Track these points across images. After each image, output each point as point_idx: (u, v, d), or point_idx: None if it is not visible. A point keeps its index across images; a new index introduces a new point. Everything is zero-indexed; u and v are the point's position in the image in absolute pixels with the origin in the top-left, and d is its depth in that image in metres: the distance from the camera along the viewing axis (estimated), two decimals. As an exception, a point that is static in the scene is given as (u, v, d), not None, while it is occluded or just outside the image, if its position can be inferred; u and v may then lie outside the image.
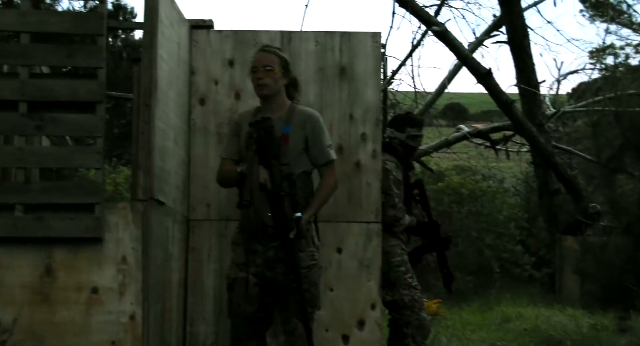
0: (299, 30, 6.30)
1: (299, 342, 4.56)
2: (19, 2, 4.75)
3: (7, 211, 4.43)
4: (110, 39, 18.76)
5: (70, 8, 15.64)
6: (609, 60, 14.84)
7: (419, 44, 11.80)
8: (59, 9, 14.49)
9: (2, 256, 4.43)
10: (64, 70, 6.27)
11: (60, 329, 4.42)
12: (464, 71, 11.03)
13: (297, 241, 4.39)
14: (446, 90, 12.78)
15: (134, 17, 20.25)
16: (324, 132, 4.73)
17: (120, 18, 20.15)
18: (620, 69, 13.68)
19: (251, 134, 4.53)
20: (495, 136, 12.66)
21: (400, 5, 10.30)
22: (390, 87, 12.76)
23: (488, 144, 12.90)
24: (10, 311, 4.35)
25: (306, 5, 23.56)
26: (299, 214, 4.36)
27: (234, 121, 4.82)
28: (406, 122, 6.09)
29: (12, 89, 4.48)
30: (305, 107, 4.85)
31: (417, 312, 5.74)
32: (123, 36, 19.89)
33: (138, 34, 21.51)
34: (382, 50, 12.13)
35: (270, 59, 4.69)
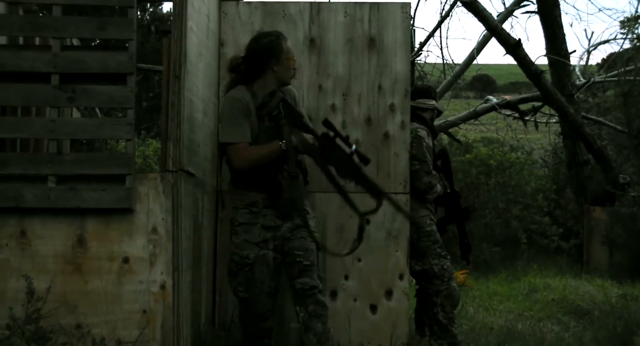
0: (328, 1, 6.28)
1: (321, 311, 4.67)
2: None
3: (40, 182, 4.47)
4: (138, 12, 18.79)
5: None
6: (641, 29, 14.63)
7: (447, 15, 11.69)
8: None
9: (36, 226, 4.48)
10: (94, 43, 6.28)
11: (93, 298, 4.47)
12: (493, 41, 10.91)
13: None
14: (474, 61, 12.64)
15: (164, -10, 20.25)
16: None
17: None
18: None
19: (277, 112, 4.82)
20: (523, 107, 12.54)
21: (429, -24, 10.22)
22: (418, 59, 12.68)
23: (516, 115, 12.78)
24: (43, 280, 4.40)
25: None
26: None
27: (243, 104, 4.79)
28: (424, 94, 6.12)
29: (44, 61, 4.50)
30: None
31: (446, 281, 5.75)
32: (151, 10, 19.89)
33: (166, 8, 21.52)
34: (411, 21, 12.07)
35: None
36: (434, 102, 6.10)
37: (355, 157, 4.67)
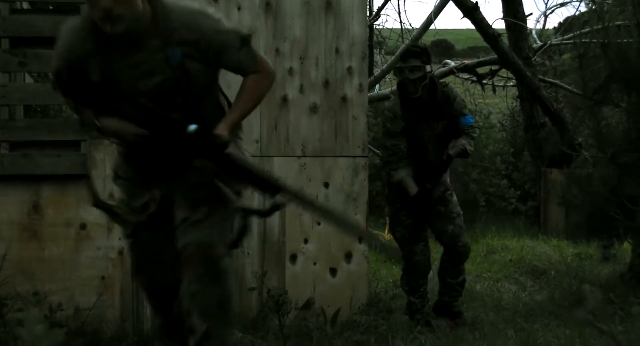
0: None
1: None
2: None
3: (-8, 149, 4.41)
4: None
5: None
6: (597, -8, 14.73)
7: (404, -22, 11.66)
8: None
9: (-10, 193, 4.43)
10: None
11: (50, 265, 4.45)
12: (451, 5, 10.92)
13: None
14: (433, 26, 12.63)
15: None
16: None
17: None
18: (607, 1, 13.60)
19: None
20: (481, 70, 12.58)
21: (386, -62, 10.15)
22: (377, 23, 12.65)
23: (474, 79, 12.83)
24: (-1, 248, 4.36)
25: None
26: None
27: None
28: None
29: (-7, 25, 4.42)
30: None
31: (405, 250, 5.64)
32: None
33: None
34: (368, -16, 12.01)
35: None
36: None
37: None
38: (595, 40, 6.41)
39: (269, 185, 3.32)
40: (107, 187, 4.50)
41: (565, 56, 15.25)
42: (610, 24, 6.57)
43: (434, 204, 5.48)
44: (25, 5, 5.36)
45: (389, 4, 12.23)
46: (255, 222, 5.43)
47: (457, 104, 5.47)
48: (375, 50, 13.54)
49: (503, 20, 11.57)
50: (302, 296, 5.29)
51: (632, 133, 6.15)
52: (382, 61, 13.63)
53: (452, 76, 12.88)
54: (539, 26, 15.14)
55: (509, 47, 11.13)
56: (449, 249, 5.53)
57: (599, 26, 6.63)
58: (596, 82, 6.62)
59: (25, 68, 4.49)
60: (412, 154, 5.40)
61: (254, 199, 4.85)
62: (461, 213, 5.61)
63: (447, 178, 5.61)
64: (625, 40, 6.37)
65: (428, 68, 5.36)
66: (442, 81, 6.11)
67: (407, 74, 5.31)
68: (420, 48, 5.52)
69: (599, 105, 6.37)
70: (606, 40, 6.17)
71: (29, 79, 5.72)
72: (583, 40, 10.76)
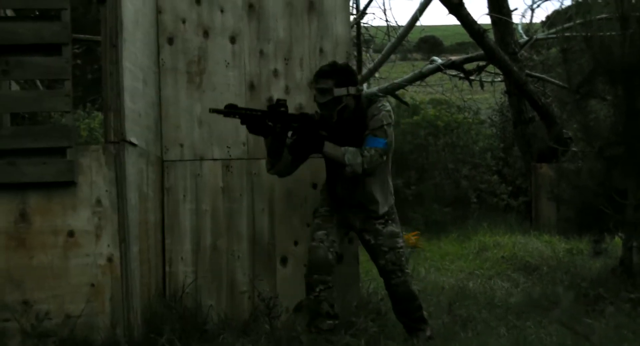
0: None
1: None
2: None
3: (-23, 158, 4.40)
4: (77, -18, 18.38)
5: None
6: (582, -14, 14.74)
7: (389, -24, 11.66)
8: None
9: (-24, 203, 4.42)
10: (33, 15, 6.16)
11: (39, 273, 4.43)
12: (436, 2, 10.94)
13: None
14: (420, 23, 12.64)
15: (100, -42, 19.88)
16: None
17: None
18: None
19: None
20: (469, 66, 12.60)
21: None
22: (364, 21, 12.66)
23: (462, 75, 12.85)
24: (-14, 258, 4.35)
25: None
26: None
27: None
28: None
29: (-25, 33, 4.41)
30: None
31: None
32: (90, -22, 19.54)
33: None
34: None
35: None
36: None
37: None
38: (578, 34, 6.44)
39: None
40: (94, 193, 4.50)
41: (552, 50, 15.29)
42: (594, 17, 6.60)
43: (360, 230, 4.99)
44: (9, 12, 5.34)
45: (374, 2, 12.24)
46: (244, 225, 5.45)
47: (372, 122, 4.77)
48: (363, 49, 13.54)
49: (489, 16, 11.59)
50: (294, 299, 5.30)
51: (618, 126, 6.18)
52: (370, 60, 13.63)
53: (440, 73, 12.91)
54: (525, 21, 15.15)
55: (495, 42, 11.17)
56: (385, 285, 5.02)
57: (583, 20, 6.66)
58: (581, 76, 6.64)
59: (8, 76, 4.47)
60: (328, 170, 5.01)
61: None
62: (400, 245, 4.93)
63: (382, 204, 4.94)
64: (608, 33, 6.39)
65: (344, 90, 4.77)
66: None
67: (316, 97, 4.87)
68: (332, 67, 4.91)
69: (585, 99, 6.40)
70: (589, 34, 6.19)
71: (15, 87, 5.70)
72: (567, 34, 10.80)
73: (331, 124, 4.80)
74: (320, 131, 4.77)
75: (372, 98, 4.92)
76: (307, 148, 4.79)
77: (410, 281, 4.97)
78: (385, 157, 4.79)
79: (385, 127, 4.76)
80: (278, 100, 4.72)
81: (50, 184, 4.44)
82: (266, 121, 4.65)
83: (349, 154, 4.70)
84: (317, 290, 4.74)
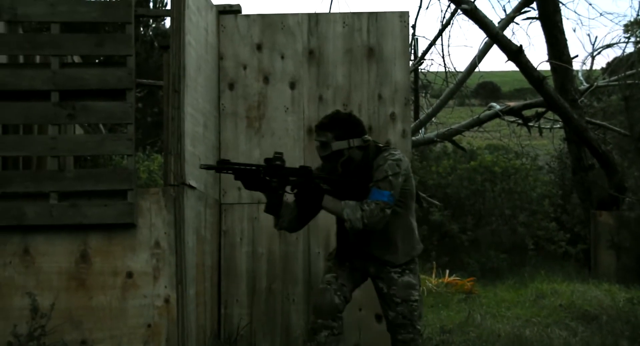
0: (326, 12, 6.30)
1: None
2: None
3: (42, 199, 4.49)
4: (141, 29, 18.77)
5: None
6: (644, 33, 14.60)
7: (448, 23, 11.71)
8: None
9: (39, 243, 4.50)
10: (97, 60, 6.31)
11: (97, 313, 4.48)
12: (495, 48, 10.91)
13: None
14: (478, 69, 12.62)
15: (164, 5, 20.29)
16: None
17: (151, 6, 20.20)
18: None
19: None
20: (527, 113, 12.52)
21: (429, -16, 10.22)
22: (422, 67, 12.69)
23: (520, 121, 12.77)
24: (48, 297, 4.42)
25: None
26: None
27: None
28: None
29: (44, 79, 4.53)
30: None
31: None
32: (154, 25, 19.94)
33: (168, 22, 21.52)
34: (412, 30, 12.07)
35: None
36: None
37: None
38: (641, 82, 6.41)
39: None
40: (153, 235, 4.56)
41: (613, 97, 15.13)
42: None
43: (374, 276, 4.61)
44: (76, 59, 5.48)
45: (433, 49, 12.26)
46: (300, 268, 5.45)
47: (377, 173, 4.41)
48: (420, 94, 13.56)
49: (548, 63, 11.52)
50: (349, 343, 5.27)
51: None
52: (427, 105, 13.64)
53: (498, 119, 12.86)
54: (586, 67, 15.00)
55: (555, 89, 11.08)
56: (392, 340, 4.58)
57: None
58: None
59: (74, 120, 4.57)
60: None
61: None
62: (414, 298, 4.51)
63: (402, 253, 4.56)
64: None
65: (345, 143, 4.43)
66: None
67: (318, 151, 4.53)
68: (331, 119, 4.53)
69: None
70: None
71: (79, 130, 5.82)
72: (629, 81, 10.69)
73: (335, 177, 4.49)
74: (322, 185, 4.46)
75: (382, 147, 4.54)
76: (305, 202, 4.53)
77: (419, 340, 4.53)
78: (388, 211, 4.35)
79: (390, 178, 4.36)
80: (275, 153, 4.42)
81: (110, 225, 4.51)
82: (262, 176, 4.35)
83: (348, 209, 4.35)
84: (322, 335, 4.39)
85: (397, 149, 4.55)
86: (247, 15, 5.73)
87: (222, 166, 4.34)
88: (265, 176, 4.35)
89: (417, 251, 4.62)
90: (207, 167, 4.38)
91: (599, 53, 14.75)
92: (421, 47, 16.82)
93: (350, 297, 4.57)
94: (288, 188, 4.43)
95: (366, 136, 4.52)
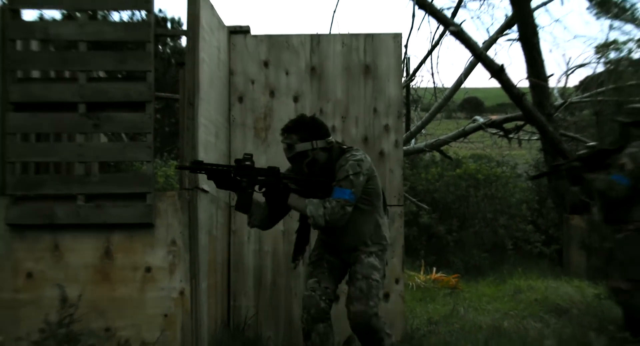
0: (327, 33, 6.33)
1: None
2: (78, 15, 4.81)
3: (70, 201, 4.52)
4: (160, 46, 18.81)
5: (121, 19, 15.81)
6: (613, 54, 14.65)
7: (437, 43, 11.71)
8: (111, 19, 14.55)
9: (67, 240, 4.53)
10: (120, 75, 6.33)
11: (119, 304, 4.50)
12: (479, 67, 10.93)
13: None
14: (463, 85, 12.66)
15: (181, 26, 20.35)
16: None
17: (169, 26, 20.27)
18: (623, 62, 13.52)
19: None
20: (508, 125, 12.55)
21: (420, 8, 10.20)
22: (413, 83, 12.71)
23: (501, 133, 12.80)
24: (75, 289, 4.44)
25: (334, 11, 23.74)
26: None
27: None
28: None
29: (72, 92, 4.56)
30: None
31: None
32: (171, 44, 19.99)
33: (184, 41, 21.56)
34: (405, 49, 12.09)
35: None
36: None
37: None
38: (610, 98, 6.43)
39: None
40: (170, 234, 4.58)
41: (585, 112, 15.14)
42: (625, 84, 6.57)
43: (351, 264, 4.56)
44: (101, 74, 5.51)
45: (423, 66, 12.29)
46: (301, 264, 5.47)
47: (339, 172, 4.37)
48: (411, 108, 13.58)
49: (527, 80, 11.54)
50: (344, 334, 5.27)
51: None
52: (417, 117, 13.67)
53: (481, 131, 12.88)
54: (561, 85, 15.02)
55: (533, 104, 11.10)
56: (347, 314, 4.43)
57: (614, 86, 6.63)
58: (612, 137, 6.60)
59: (98, 129, 4.60)
60: None
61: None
62: (375, 277, 4.42)
63: (372, 246, 4.53)
64: (638, 99, 6.35)
65: (309, 145, 4.40)
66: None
67: (284, 152, 4.51)
68: (295, 123, 4.50)
69: (615, 158, 6.31)
70: (620, 99, 6.17)
71: (103, 139, 5.85)
72: (599, 98, 10.68)
73: (301, 177, 4.45)
74: (289, 184, 4.42)
75: (345, 148, 4.49)
76: (274, 201, 4.47)
77: (373, 315, 4.34)
78: (349, 208, 4.31)
79: (351, 177, 4.31)
80: (245, 154, 4.41)
81: (131, 225, 4.53)
82: (233, 175, 4.35)
83: (311, 206, 4.32)
84: (313, 336, 4.43)
85: (360, 150, 4.51)
86: (256, 35, 5.76)
87: (196, 166, 4.34)
88: (236, 176, 4.35)
89: (385, 243, 4.58)
90: (182, 167, 4.40)
91: (573, 72, 14.78)
92: (413, 65, 16.84)
93: (334, 296, 4.58)
94: (257, 187, 4.41)
95: (330, 138, 4.49)
